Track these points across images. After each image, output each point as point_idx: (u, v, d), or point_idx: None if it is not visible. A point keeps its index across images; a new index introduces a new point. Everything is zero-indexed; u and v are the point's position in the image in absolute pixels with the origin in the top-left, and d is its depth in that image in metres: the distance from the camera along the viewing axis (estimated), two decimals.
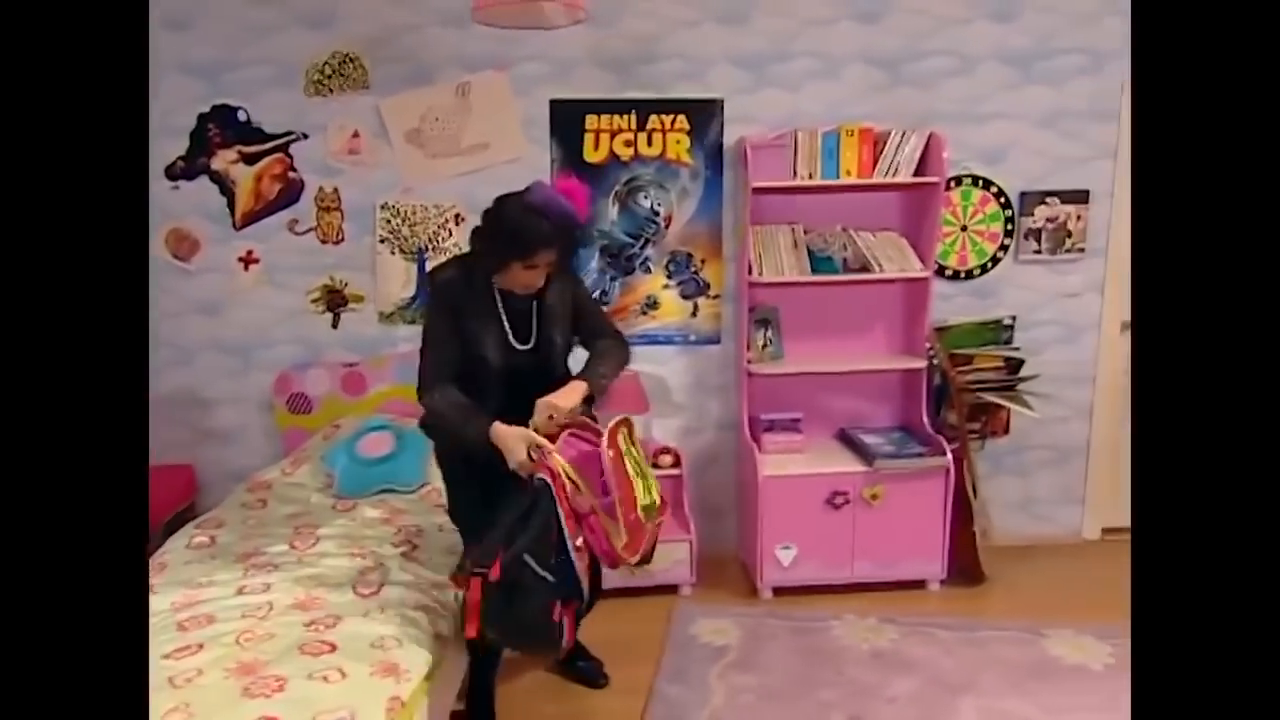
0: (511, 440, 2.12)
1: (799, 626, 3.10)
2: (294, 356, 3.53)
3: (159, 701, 1.74)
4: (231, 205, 3.42)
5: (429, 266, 3.41)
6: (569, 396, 2.23)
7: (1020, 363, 3.55)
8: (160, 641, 1.99)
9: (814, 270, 3.34)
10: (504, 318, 2.28)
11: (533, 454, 2.11)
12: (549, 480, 2.05)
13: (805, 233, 3.38)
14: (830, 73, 3.45)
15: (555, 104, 3.39)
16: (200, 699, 1.76)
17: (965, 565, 3.40)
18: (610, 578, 3.29)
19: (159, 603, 2.19)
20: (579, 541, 2.09)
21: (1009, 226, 3.59)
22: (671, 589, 3.41)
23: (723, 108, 3.42)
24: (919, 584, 3.39)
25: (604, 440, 2.19)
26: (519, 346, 2.30)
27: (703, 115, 3.42)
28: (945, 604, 3.28)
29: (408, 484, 3.03)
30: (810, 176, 3.25)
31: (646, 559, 2.32)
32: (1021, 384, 3.53)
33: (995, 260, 3.62)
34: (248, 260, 3.46)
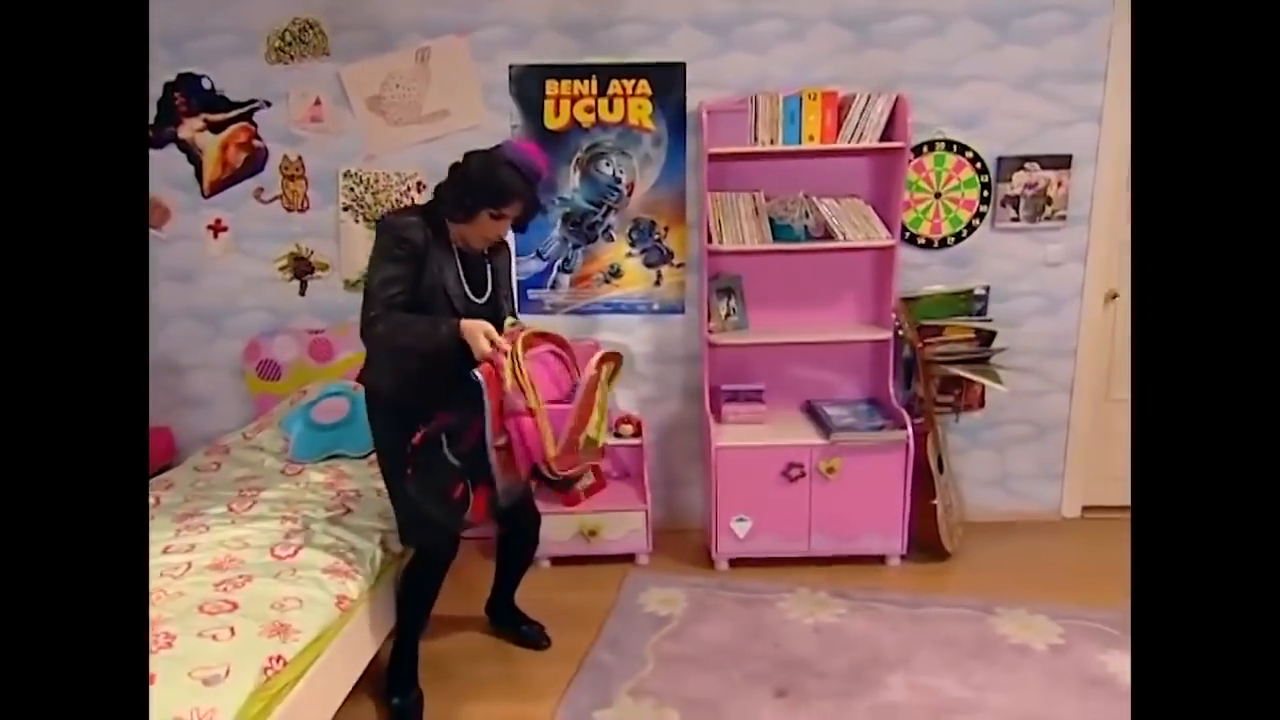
0: (476, 330, 2.17)
1: (746, 599, 3.08)
2: (263, 323, 3.59)
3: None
4: (199, 174, 3.48)
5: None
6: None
7: (992, 335, 3.44)
8: None
9: (775, 238, 3.27)
10: (460, 270, 2.31)
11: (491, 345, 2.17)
12: (482, 377, 2.08)
13: (766, 200, 3.31)
14: (797, 34, 3.35)
15: (515, 69, 3.35)
16: None
17: (927, 541, 3.34)
18: (568, 545, 3.34)
19: None
20: (500, 441, 2.12)
21: (985, 193, 3.46)
22: (629, 558, 3.41)
23: (685, 72, 3.35)
24: (879, 559, 3.34)
25: (594, 359, 2.27)
26: (475, 300, 2.35)
27: (665, 80, 3.35)
28: (902, 580, 3.23)
29: (358, 449, 3.07)
30: (771, 142, 3.17)
31: (566, 484, 2.40)
32: (993, 356, 3.42)
33: (971, 228, 3.50)
34: (216, 228, 3.52)
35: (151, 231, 3.52)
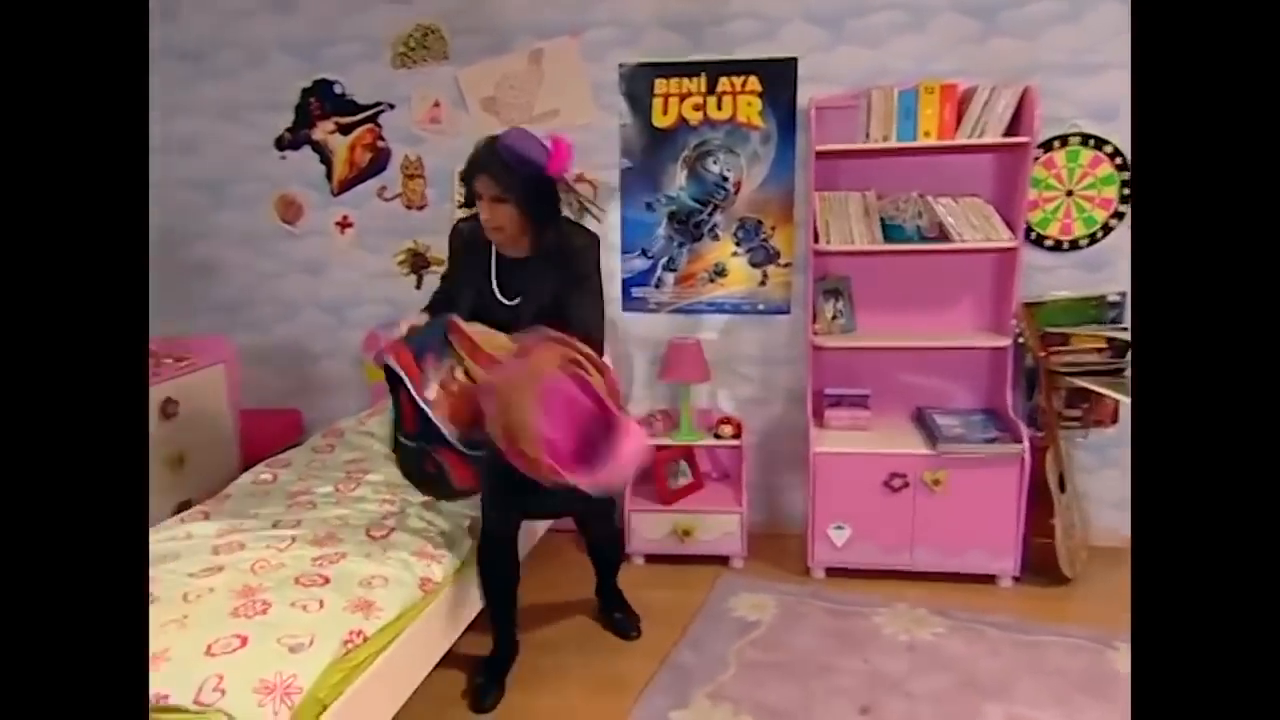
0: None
1: (839, 609, 2.98)
2: (381, 315, 3.78)
3: (170, 611, 1.97)
4: (330, 173, 3.70)
5: None
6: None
7: (1127, 346, 3.17)
8: (192, 560, 2.23)
9: (886, 239, 3.14)
10: (493, 271, 2.34)
11: None
12: (391, 358, 2.15)
13: (878, 199, 3.18)
14: (917, 25, 3.20)
15: (624, 68, 3.38)
16: (197, 612, 1.96)
17: (1044, 564, 3.12)
18: (662, 544, 3.33)
19: (206, 529, 2.45)
20: (430, 394, 2.12)
21: (1125, 191, 3.19)
22: (722, 560, 3.37)
23: (796, 67, 3.27)
24: (989, 579, 3.14)
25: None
26: (504, 301, 2.36)
27: (775, 76, 3.29)
28: (1013, 602, 3.03)
29: None
30: (884, 139, 3.05)
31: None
32: (1128, 369, 3.15)
33: (1107, 229, 3.24)
34: (343, 224, 3.73)
35: (286, 226, 3.78)
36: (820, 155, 3.08)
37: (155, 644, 1.84)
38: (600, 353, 2.27)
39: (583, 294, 2.32)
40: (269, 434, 3.71)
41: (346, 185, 3.69)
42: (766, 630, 2.87)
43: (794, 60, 3.26)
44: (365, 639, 1.97)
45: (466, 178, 2.30)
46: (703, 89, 3.34)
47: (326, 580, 2.13)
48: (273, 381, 3.89)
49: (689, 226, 3.48)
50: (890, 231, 3.14)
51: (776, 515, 3.66)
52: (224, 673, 1.76)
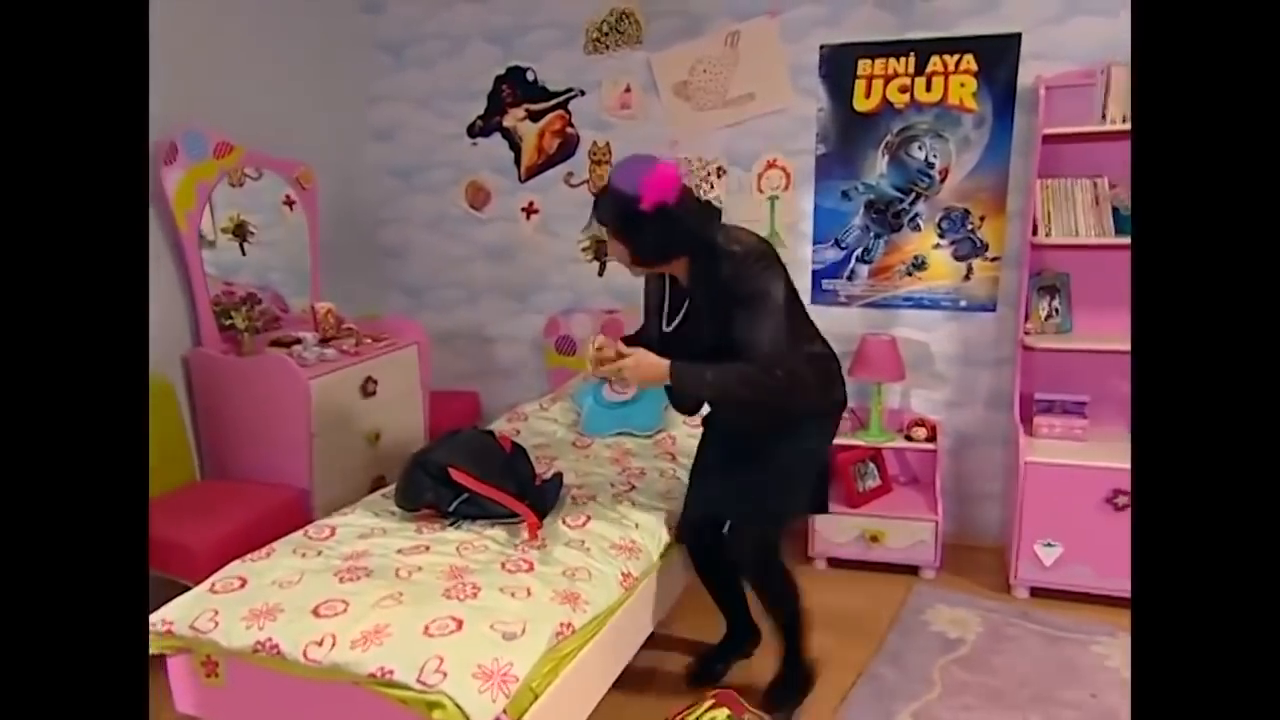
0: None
1: (1054, 635, 2.73)
2: (564, 302, 3.79)
3: (386, 586, 2.00)
4: (518, 159, 3.73)
5: None
6: (638, 357, 2.10)
7: None
8: (400, 538, 2.27)
9: (1118, 232, 2.85)
10: (665, 299, 2.27)
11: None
12: None
13: (1111, 188, 2.89)
14: None
15: (826, 49, 3.22)
16: (411, 591, 1.98)
17: None
18: (847, 548, 3.17)
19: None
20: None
21: None
22: (910, 570, 3.17)
23: (1019, 43, 3.01)
24: None
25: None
26: (664, 328, 2.27)
27: (994, 54, 3.04)
28: None
29: (644, 429, 3.13)
30: (1124, 120, 2.76)
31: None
32: None
33: None
34: (529, 210, 3.76)
35: (474, 213, 3.85)
36: (1047, 139, 2.82)
37: (374, 619, 1.87)
38: (780, 365, 2.05)
39: (748, 313, 2.06)
40: (448, 415, 3.79)
41: (534, 171, 3.72)
42: (972, 650, 2.66)
43: (1017, 36, 3.01)
44: (574, 631, 1.93)
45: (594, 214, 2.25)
46: (911, 69, 3.13)
47: (530, 566, 2.11)
48: (452, 363, 3.98)
49: (888, 216, 3.28)
50: (1124, 224, 2.85)
51: (966, 526, 3.42)
52: (444, 655, 1.75)
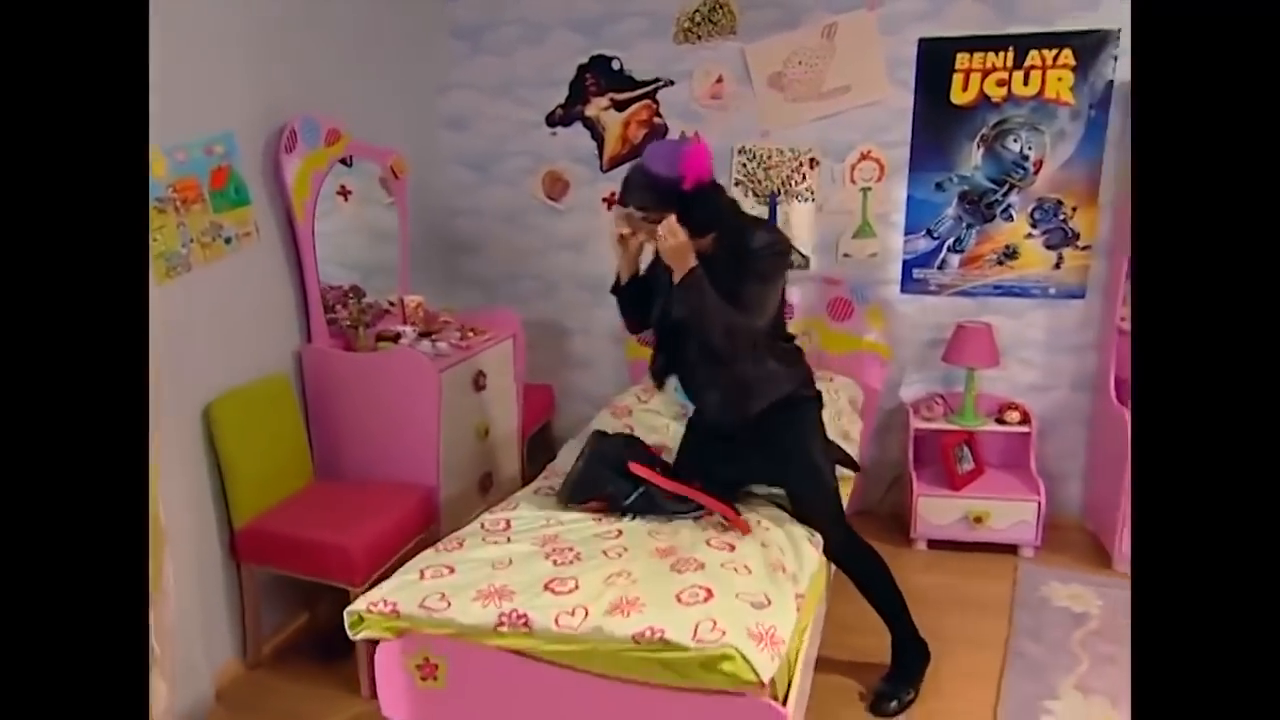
0: None
1: None
2: None
3: (605, 566, 2.01)
4: (600, 149, 3.70)
5: (779, 214, 3.52)
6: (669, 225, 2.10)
7: None
8: (583, 527, 2.26)
9: None
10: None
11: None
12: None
13: None
14: None
15: (924, 43, 3.28)
16: (635, 568, 1.98)
17: None
18: (949, 529, 3.26)
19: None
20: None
21: None
22: (1009, 549, 3.29)
23: (1118, 38, 3.13)
24: None
25: None
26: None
27: (1092, 49, 3.15)
28: None
29: None
30: None
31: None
32: None
33: None
34: (610, 201, 3.72)
35: (551, 203, 3.80)
36: None
37: (617, 591, 1.88)
38: (758, 340, 2.22)
39: (760, 286, 2.18)
40: (525, 408, 3.74)
41: (617, 161, 3.69)
42: (1102, 624, 2.78)
43: (1115, 31, 3.13)
44: (804, 600, 1.96)
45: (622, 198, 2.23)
46: (1009, 64, 3.23)
47: (733, 547, 2.13)
48: (526, 357, 3.92)
49: (980, 207, 3.38)
50: None
51: (1051, 504, 3.55)
52: (714, 617, 1.76)
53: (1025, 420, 3.36)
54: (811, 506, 2.35)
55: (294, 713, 2.47)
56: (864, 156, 3.44)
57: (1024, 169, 3.30)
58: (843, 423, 3.12)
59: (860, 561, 2.44)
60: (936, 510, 3.29)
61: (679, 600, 1.85)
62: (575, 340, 3.93)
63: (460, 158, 3.83)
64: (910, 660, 2.50)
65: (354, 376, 2.86)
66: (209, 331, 2.51)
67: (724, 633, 1.72)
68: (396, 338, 3.04)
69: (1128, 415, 3.12)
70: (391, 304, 3.11)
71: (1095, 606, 2.88)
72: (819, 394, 2.44)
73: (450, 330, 3.22)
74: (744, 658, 1.68)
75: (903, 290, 3.50)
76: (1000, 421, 3.38)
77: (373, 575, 2.46)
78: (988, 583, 3.09)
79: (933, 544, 3.35)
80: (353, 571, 2.43)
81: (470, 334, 3.22)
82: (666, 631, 1.74)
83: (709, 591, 1.86)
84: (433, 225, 3.80)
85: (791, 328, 3.53)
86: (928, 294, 3.49)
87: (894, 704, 2.41)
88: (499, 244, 3.89)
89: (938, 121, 3.33)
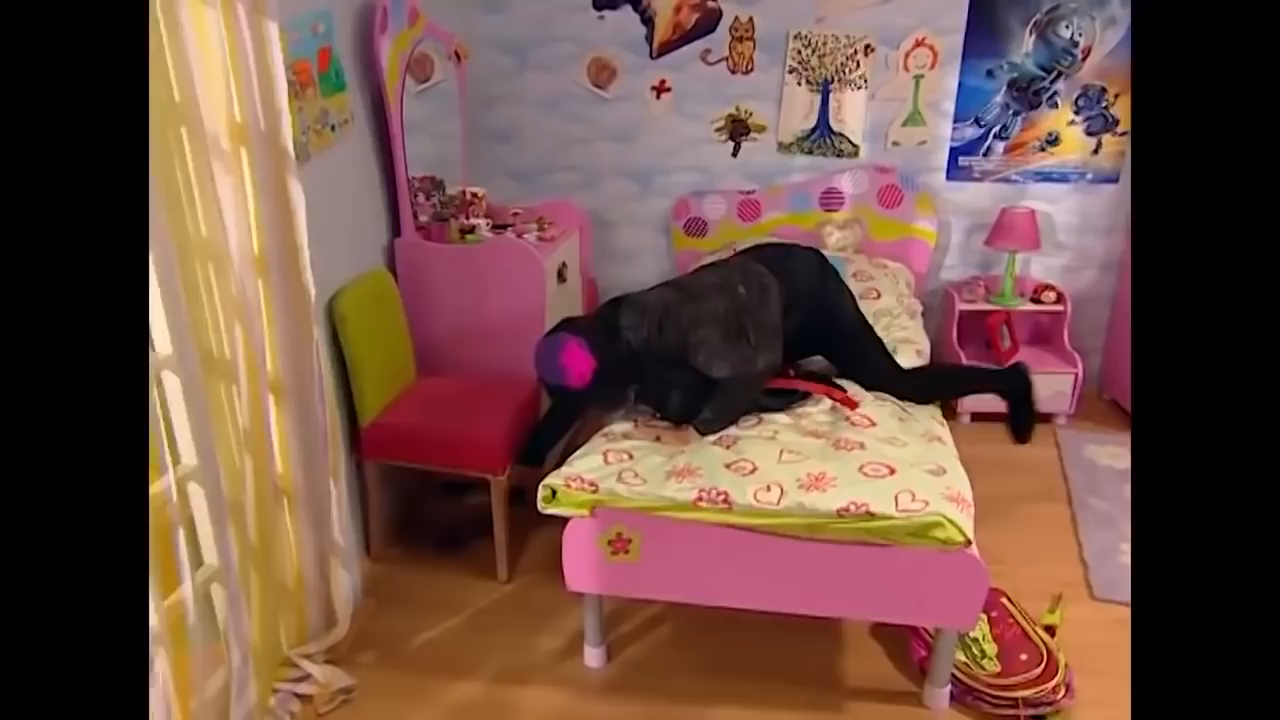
0: None
1: None
2: (692, 183, 3.79)
3: (767, 446, 2.15)
4: (650, 35, 3.61)
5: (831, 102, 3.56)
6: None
7: None
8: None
9: None
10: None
11: None
12: None
13: None
14: None
15: None
16: (803, 448, 2.15)
17: None
18: (988, 402, 3.51)
19: None
20: None
21: None
22: (1044, 418, 3.57)
23: None
24: None
25: None
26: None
27: None
28: None
29: None
30: None
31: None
32: None
33: None
34: (660, 89, 3.68)
35: (598, 91, 3.72)
36: None
37: (804, 468, 2.03)
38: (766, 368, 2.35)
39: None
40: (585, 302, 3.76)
41: (667, 48, 3.62)
42: None
43: None
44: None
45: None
46: None
47: (871, 422, 2.29)
48: None
49: (1028, 94, 3.50)
50: None
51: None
52: (911, 489, 1.92)
53: (1060, 300, 3.60)
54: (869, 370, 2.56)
55: (440, 600, 2.55)
56: (918, 43, 3.49)
57: (1072, 55, 3.43)
58: (908, 303, 3.30)
59: (936, 383, 2.74)
60: None
61: (864, 473, 2.00)
62: (619, 232, 3.93)
63: (498, 41, 3.67)
64: (1017, 391, 2.73)
65: (451, 269, 2.82)
66: (326, 223, 2.42)
67: (926, 503, 1.88)
68: (473, 230, 2.99)
69: None
70: (474, 195, 3.04)
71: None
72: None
73: (522, 222, 3.18)
74: (951, 523, 1.85)
75: (948, 178, 3.64)
76: (1036, 301, 3.61)
77: (508, 465, 2.52)
78: (1032, 449, 3.34)
79: (976, 416, 3.61)
80: (494, 460, 2.48)
81: (549, 226, 3.19)
82: (871, 505, 1.89)
83: (890, 469, 2.01)
84: (468, 114, 3.67)
85: (841, 215, 3.67)
86: (971, 180, 3.64)
87: (1025, 428, 2.70)
88: (539, 134, 3.80)
89: (994, 7, 3.40)
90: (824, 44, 3.52)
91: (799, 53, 3.55)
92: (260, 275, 1.90)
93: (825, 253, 2.92)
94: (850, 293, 2.66)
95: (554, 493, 2.06)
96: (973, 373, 2.87)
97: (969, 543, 1.88)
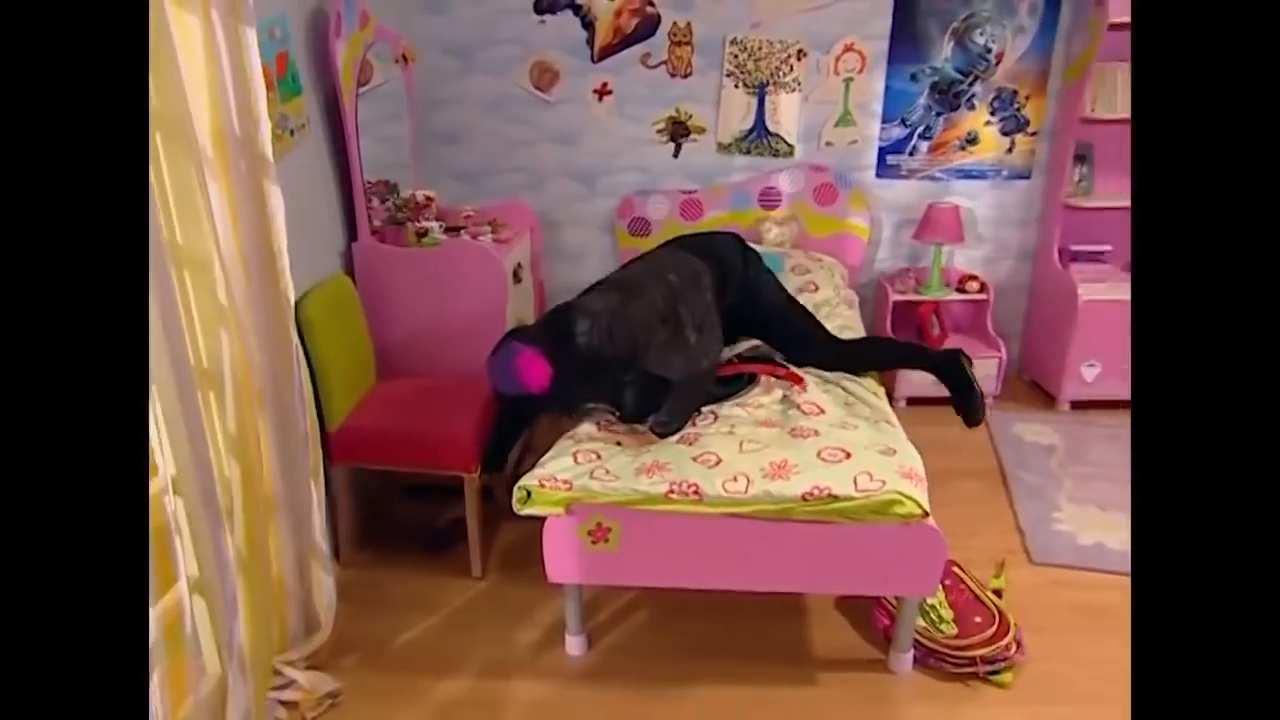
0: None
1: (1110, 433, 3.50)
2: (636, 183, 3.88)
3: (728, 439, 2.28)
4: (591, 39, 3.69)
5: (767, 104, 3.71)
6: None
7: None
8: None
9: None
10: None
11: None
12: None
13: None
14: None
15: None
16: (760, 438, 2.28)
17: None
18: (928, 389, 3.73)
19: None
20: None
21: None
22: None
23: None
24: None
25: None
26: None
27: None
28: None
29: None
30: None
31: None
32: None
33: None
34: (602, 92, 3.76)
35: (540, 94, 3.77)
36: (1114, 28, 3.36)
37: (766, 457, 2.16)
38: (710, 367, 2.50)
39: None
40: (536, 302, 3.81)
41: (608, 51, 3.71)
42: (1067, 451, 3.36)
43: None
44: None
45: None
46: None
47: (819, 409, 2.43)
48: None
49: (949, 96, 3.73)
50: None
51: None
52: (869, 470, 2.06)
53: (983, 289, 3.85)
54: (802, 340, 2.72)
55: (417, 600, 2.57)
56: (848, 49, 3.67)
57: (987, 60, 3.67)
58: (844, 294, 3.47)
59: (874, 352, 2.93)
60: (914, 374, 3.73)
61: (823, 459, 2.13)
62: (566, 232, 3.99)
63: (440, 44, 3.68)
64: (954, 374, 2.80)
65: (410, 272, 2.84)
66: (289, 228, 2.41)
67: (883, 482, 2.02)
68: (424, 235, 3.01)
69: (1078, 278, 3.66)
70: (427, 198, 3.05)
71: (1054, 439, 3.46)
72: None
73: (474, 225, 3.21)
74: (909, 498, 1.99)
75: (877, 175, 3.84)
76: (961, 291, 3.85)
77: (478, 464, 2.56)
78: (963, 430, 3.58)
79: (911, 401, 3.82)
80: (467, 460, 2.51)
81: (502, 227, 3.23)
82: (833, 488, 2.02)
83: (846, 453, 2.15)
84: (415, 116, 3.67)
85: (779, 213, 3.83)
86: (899, 178, 3.85)
87: (974, 412, 2.74)
88: (483, 136, 3.82)
89: (915, 15, 3.61)
90: (759, 49, 3.67)
91: (735, 57, 3.68)
92: (243, 281, 1.90)
93: (761, 248, 3.08)
94: (772, 272, 2.82)
95: (529, 494, 2.12)
96: (909, 348, 3.09)
97: (926, 515, 2.03)
